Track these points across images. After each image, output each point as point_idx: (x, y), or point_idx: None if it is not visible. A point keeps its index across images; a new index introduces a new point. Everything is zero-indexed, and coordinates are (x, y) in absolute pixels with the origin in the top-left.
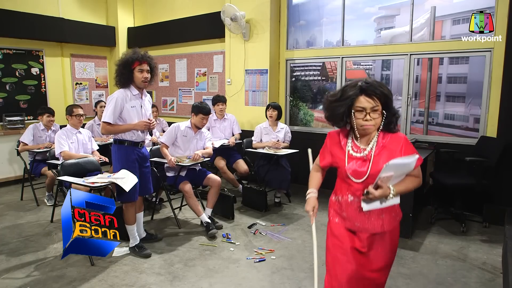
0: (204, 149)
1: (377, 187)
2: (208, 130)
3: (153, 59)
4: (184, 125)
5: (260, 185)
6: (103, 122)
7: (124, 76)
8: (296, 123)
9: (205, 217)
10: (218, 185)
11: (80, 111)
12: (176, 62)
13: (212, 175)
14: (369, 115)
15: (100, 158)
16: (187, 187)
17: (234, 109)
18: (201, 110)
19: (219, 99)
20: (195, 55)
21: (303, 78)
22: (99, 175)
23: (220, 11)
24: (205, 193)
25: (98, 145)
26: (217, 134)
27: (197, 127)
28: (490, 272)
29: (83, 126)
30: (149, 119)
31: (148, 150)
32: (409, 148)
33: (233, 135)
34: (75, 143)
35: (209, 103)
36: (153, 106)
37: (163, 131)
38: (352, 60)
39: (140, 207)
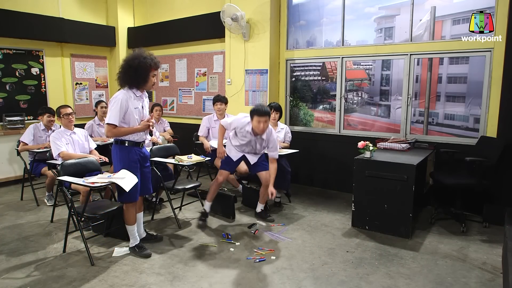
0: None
1: None
2: (208, 130)
3: None
4: (249, 126)
5: (260, 185)
6: (107, 124)
7: (141, 79)
8: (296, 123)
9: (258, 208)
10: (266, 182)
11: (68, 110)
12: (176, 62)
13: (264, 173)
14: None
15: (100, 158)
16: (222, 177)
17: (234, 109)
18: (255, 112)
19: (219, 99)
20: (195, 55)
21: (303, 78)
22: (99, 175)
23: (220, 11)
24: (205, 193)
25: (98, 145)
26: (217, 134)
27: (256, 132)
28: (490, 272)
29: (83, 126)
30: (149, 117)
31: (148, 150)
32: None
33: None
34: (70, 144)
35: (210, 103)
36: (157, 105)
37: (164, 131)
38: (352, 60)
39: (140, 207)
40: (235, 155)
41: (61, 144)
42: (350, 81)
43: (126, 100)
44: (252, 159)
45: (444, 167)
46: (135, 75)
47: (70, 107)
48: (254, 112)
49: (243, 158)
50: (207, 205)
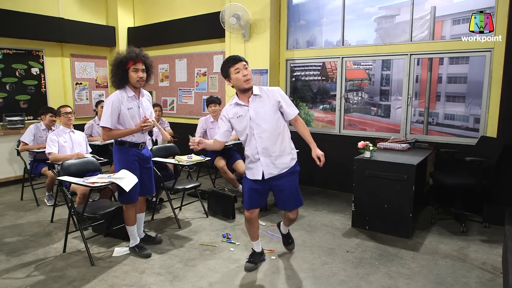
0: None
1: None
2: (205, 132)
3: (149, 58)
4: (234, 99)
5: None
6: (102, 127)
7: (119, 77)
8: None
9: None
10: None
11: (68, 109)
12: (176, 62)
13: (290, 214)
14: None
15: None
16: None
17: None
18: (225, 64)
19: (212, 100)
20: (195, 55)
21: (303, 78)
22: (99, 175)
23: (219, 11)
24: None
25: (98, 145)
26: (214, 135)
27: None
28: (490, 272)
29: (82, 126)
30: (146, 117)
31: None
32: None
33: None
34: (69, 142)
35: None
36: (157, 105)
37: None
38: (352, 60)
39: (141, 207)
40: (252, 172)
41: (54, 146)
42: (350, 81)
43: (118, 101)
44: (270, 167)
45: (444, 167)
46: (115, 74)
47: (70, 107)
48: (225, 66)
49: (267, 186)
50: (254, 244)
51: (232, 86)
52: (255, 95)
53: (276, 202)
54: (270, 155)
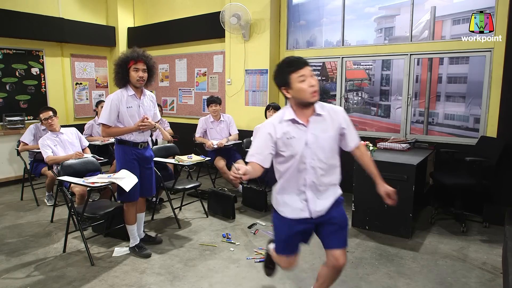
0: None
1: None
2: (205, 132)
3: (151, 58)
4: (287, 113)
5: (260, 185)
6: (100, 124)
7: (119, 75)
8: None
9: None
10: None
11: (48, 114)
12: (176, 62)
13: (337, 253)
14: None
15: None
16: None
17: (234, 109)
18: (286, 67)
19: (212, 100)
20: (195, 55)
21: None
22: (99, 175)
23: (219, 11)
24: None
25: (98, 145)
26: (214, 135)
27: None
28: (490, 272)
29: (82, 126)
30: (145, 117)
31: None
32: None
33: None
34: (59, 144)
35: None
36: (157, 105)
37: None
38: (352, 60)
39: (142, 207)
40: (292, 209)
41: (47, 149)
42: (350, 81)
43: (117, 99)
44: (316, 202)
45: (444, 167)
46: (116, 73)
47: (51, 110)
48: (284, 71)
49: (310, 226)
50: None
51: (287, 98)
52: (318, 114)
53: (323, 240)
54: (318, 189)
